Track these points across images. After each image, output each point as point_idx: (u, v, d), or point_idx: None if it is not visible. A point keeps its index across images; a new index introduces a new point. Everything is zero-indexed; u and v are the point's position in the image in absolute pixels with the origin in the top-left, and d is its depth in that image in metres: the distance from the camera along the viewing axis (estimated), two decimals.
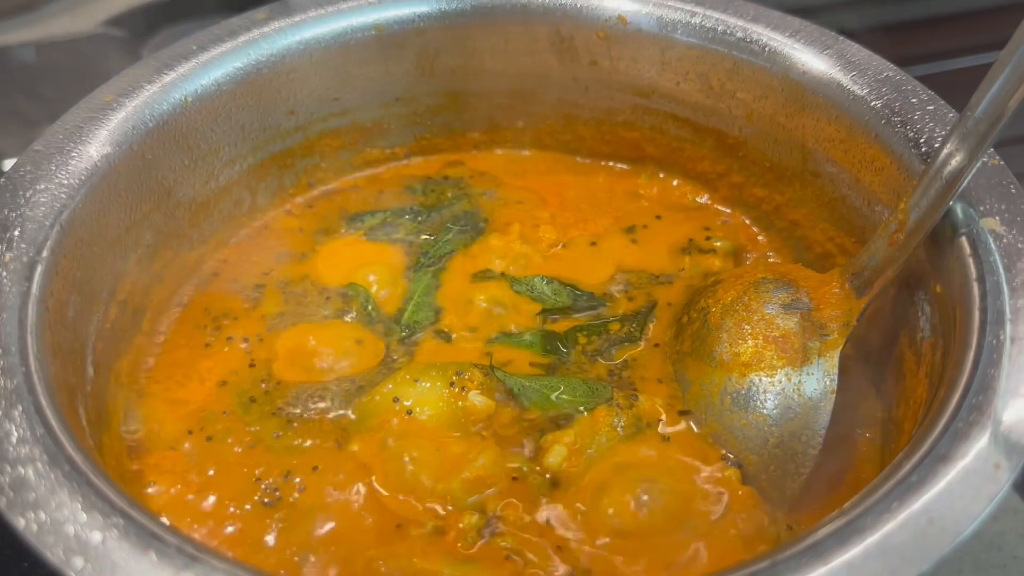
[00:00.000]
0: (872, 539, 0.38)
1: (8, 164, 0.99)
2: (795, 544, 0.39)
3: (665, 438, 0.58)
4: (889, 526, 0.39)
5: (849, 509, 0.40)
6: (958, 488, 0.40)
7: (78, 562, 0.38)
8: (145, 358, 0.64)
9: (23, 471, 0.41)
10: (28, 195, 0.55)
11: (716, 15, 0.70)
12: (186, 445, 0.59)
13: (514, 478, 0.56)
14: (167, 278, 0.67)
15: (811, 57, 0.66)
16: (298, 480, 0.56)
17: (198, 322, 0.67)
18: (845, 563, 0.38)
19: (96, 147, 0.59)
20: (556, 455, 0.57)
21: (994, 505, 0.39)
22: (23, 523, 0.39)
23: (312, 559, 0.52)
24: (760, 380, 0.56)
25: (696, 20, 0.70)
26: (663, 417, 0.59)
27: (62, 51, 1.13)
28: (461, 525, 0.54)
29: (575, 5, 0.73)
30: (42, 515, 0.39)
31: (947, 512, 0.39)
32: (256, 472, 0.57)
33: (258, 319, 0.67)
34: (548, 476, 0.56)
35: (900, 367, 0.59)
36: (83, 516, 0.39)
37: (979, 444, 0.42)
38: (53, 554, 0.38)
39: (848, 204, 0.66)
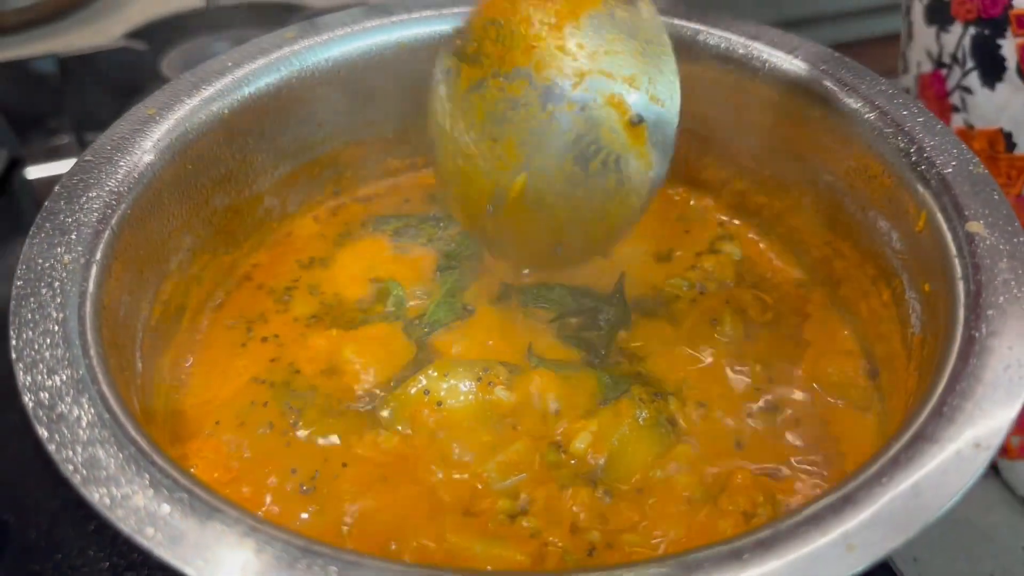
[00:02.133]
0: (865, 511, 0.42)
1: (31, 171, 1.03)
2: (794, 515, 0.42)
3: (684, 430, 0.62)
4: (881, 500, 0.42)
5: (844, 484, 0.44)
6: (942, 465, 0.44)
7: (149, 531, 0.41)
8: (185, 355, 0.67)
9: (94, 451, 0.45)
10: (82, 201, 0.58)
11: (719, 33, 0.74)
12: (224, 437, 0.62)
13: (544, 465, 0.60)
14: (204, 280, 0.71)
15: (808, 73, 0.70)
16: (332, 468, 0.60)
17: (233, 323, 0.71)
18: (842, 532, 0.41)
19: (141, 157, 0.63)
20: (582, 440, 0.60)
21: (975, 480, 0.43)
22: (97, 497, 0.42)
23: (351, 533, 0.56)
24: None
25: (701, 38, 0.74)
26: (683, 411, 0.63)
27: (83, 63, 1.17)
28: (492, 507, 0.57)
29: None
30: (114, 490, 0.43)
31: (932, 487, 0.43)
32: (292, 462, 0.60)
33: (289, 320, 0.71)
34: (573, 463, 0.60)
35: (893, 362, 0.62)
36: (151, 491, 0.43)
37: (961, 427, 0.45)
38: (125, 524, 0.41)
39: (844, 211, 0.69)
